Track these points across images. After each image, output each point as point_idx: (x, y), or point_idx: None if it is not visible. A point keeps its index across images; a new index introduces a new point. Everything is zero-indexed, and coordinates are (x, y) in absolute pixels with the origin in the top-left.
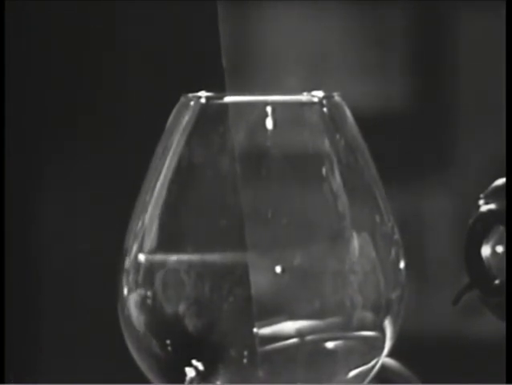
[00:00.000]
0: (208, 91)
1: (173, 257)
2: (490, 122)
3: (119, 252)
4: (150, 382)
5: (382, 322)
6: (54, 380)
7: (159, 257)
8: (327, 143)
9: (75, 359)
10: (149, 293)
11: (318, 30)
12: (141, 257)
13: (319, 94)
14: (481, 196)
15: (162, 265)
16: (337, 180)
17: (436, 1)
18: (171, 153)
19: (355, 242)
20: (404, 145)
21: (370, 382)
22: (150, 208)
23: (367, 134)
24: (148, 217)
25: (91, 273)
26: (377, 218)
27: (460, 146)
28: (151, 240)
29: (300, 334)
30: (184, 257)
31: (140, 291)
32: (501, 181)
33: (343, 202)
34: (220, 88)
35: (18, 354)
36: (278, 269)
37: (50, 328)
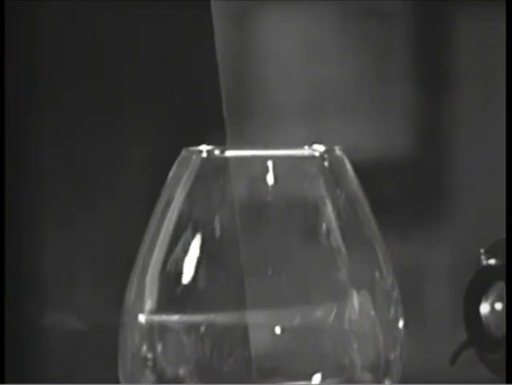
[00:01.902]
0: (208, 140)
1: (173, 318)
2: (492, 174)
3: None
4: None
5: (381, 381)
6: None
7: (159, 317)
8: (327, 197)
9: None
10: (150, 355)
11: (318, 70)
12: (141, 318)
13: (320, 148)
14: (482, 251)
15: (162, 325)
16: (337, 236)
17: (437, 51)
18: (171, 210)
19: (355, 300)
20: (404, 195)
21: None
22: (150, 268)
23: (366, 183)
24: (149, 277)
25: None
26: (377, 274)
27: (461, 198)
28: (151, 300)
29: None
30: (185, 317)
31: (141, 352)
32: (502, 237)
33: (343, 258)
34: (221, 137)
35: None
36: (278, 329)
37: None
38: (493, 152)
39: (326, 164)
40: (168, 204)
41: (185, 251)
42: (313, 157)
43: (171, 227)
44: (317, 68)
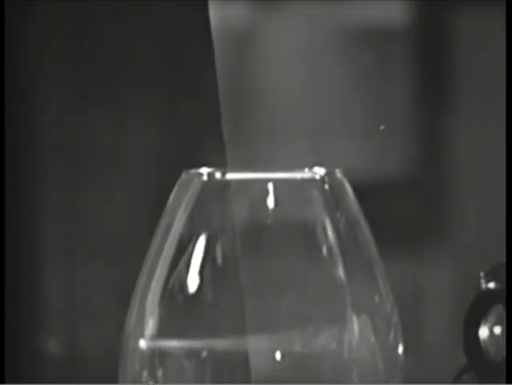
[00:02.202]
0: (209, 162)
1: (174, 343)
2: (493, 196)
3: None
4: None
5: None
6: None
7: (159, 342)
8: (327, 220)
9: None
10: (151, 382)
11: (318, 94)
12: (142, 343)
13: (321, 170)
14: (481, 275)
15: (163, 350)
16: (338, 260)
17: (435, 77)
18: (172, 233)
19: (355, 325)
20: (404, 216)
21: None
22: (151, 293)
23: (366, 204)
24: (149, 301)
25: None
26: (376, 298)
27: (461, 220)
28: (151, 325)
29: None
30: (185, 342)
31: (141, 378)
32: (501, 259)
33: (343, 282)
34: (221, 159)
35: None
36: (278, 354)
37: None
38: (494, 174)
39: (326, 186)
40: (169, 227)
41: (186, 275)
42: (313, 180)
43: (171, 251)
44: (318, 87)
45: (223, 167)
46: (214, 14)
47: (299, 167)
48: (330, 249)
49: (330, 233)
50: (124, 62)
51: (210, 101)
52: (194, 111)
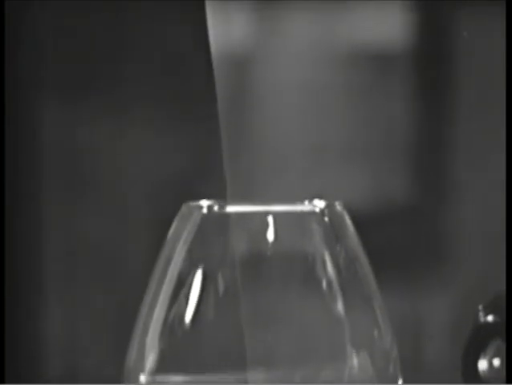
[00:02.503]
0: (209, 194)
1: (174, 378)
2: (493, 227)
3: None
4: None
5: None
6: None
7: (160, 377)
8: (327, 254)
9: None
10: None
11: (318, 121)
12: (142, 378)
13: (321, 203)
14: (480, 307)
15: None
16: (337, 294)
17: (438, 96)
18: (171, 267)
19: (354, 361)
20: (403, 244)
21: None
22: (151, 328)
23: (365, 233)
24: (150, 336)
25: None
26: (376, 333)
27: (460, 249)
28: (152, 359)
29: None
30: (186, 377)
31: None
32: (500, 291)
33: (343, 316)
34: (221, 192)
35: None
36: None
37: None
38: (495, 203)
39: (326, 219)
40: (169, 260)
41: (186, 309)
42: (313, 213)
43: (171, 285)
44: (317, 117)
45: (223, 198)
46: (214, 39)
47: (300, 195)
48: (329, 283)
49: (329, 266)
50: (124, 94)
51: (211, 130)
52: (194, 143)
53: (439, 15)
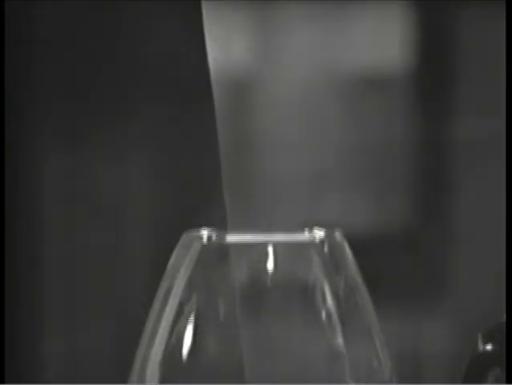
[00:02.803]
0: (209, 222)
1: None
2: (493, 254)
3: None
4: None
5: None
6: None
7: None
8: (327, 284)
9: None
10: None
11: (317, 147)
12: None
13: (320, 232)
14: (479, 335)
15: None
16: (337, 325)
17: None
18: (171, 298)
19: None
20: (404, 271)
21: None
22: (151, 358)
23: (365, 261)
24: (150, 367)
25: None
26: (375, 364)
27: (460, 275)
28: None
29: None
30: None
31: None
32: (499, 320)
33: (342, 348)
34: (221, 220)
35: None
36: None
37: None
38: (494, 230)
39: (326, 249)
40: (169, 292)
41: (186, 339)
42: (313, 242)
43: (171, 316)
44: (317, 143)
45: (223, 226)
46: (213, 64)
47: (300, 221)
48: (329, 315)
49: (329, 297)
50: (124, 122)
51: (211, 159)
52: (194, 172)
53: (439, 38)
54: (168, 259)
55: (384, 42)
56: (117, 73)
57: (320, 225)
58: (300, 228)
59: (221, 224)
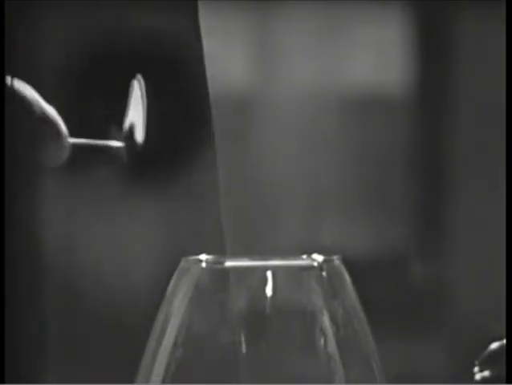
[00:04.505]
0: (207, 248)
1: None
2: (492, 278)
3: None
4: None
5: None
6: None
7: None
8: (325, 310)
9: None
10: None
11: (316, 167)
12: None
13: (319, 258)
14: (476, 362)
15: None
16: (335, 351)
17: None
18: (171, 324)
19: None
20: (400, 298)
21: None
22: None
23: (363, 287)
24: None
25: None
26: None
27: (457, 303)
28: None
29: None
30: None
31: None
32: (496, 346)
33: (340, 374)
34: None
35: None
36: None
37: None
38: (493, 254)
39: (324, 274)
40: (168, 318)
41: (184, 366)
42: (311, 268)
43: (170, 342)
44: (316, 167)
45: (222, 252)
46: (212, 90)
47: (299, 246)
48: (327, 340)
49: (327, 323)
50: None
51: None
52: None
53: (438, 65)
54: (167, 285)
55: (384, 66)
56: None
57: (319, 251)
58: (299, 253)
59: (219, 250)
